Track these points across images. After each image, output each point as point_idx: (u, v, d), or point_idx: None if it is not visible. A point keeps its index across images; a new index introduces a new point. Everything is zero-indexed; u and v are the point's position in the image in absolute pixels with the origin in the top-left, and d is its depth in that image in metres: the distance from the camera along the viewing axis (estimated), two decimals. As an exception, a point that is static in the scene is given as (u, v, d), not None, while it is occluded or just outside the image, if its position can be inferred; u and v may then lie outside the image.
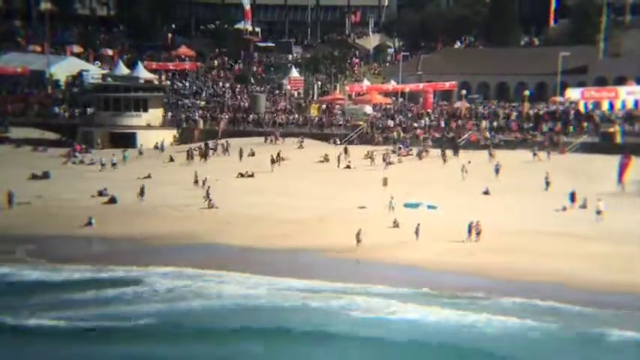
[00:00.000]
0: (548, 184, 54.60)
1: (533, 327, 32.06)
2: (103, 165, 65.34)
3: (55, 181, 60.22)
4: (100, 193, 55.32)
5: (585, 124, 67.62)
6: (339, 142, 71.77)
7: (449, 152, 65.04)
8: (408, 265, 40.04)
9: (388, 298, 35.38)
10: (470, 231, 43.58)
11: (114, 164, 65.33)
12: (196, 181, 57.80)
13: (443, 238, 43.75)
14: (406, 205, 50.72)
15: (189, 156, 68.21)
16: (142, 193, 54.16)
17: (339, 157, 65.26)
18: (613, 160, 56.40)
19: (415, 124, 73.46)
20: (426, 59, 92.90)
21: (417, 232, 43.88)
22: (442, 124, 72.92)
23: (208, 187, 53.68)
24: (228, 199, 52.93)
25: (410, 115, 76.83)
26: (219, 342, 31.54)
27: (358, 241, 43.00)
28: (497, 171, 57.85)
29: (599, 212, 47.72)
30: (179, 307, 34.49)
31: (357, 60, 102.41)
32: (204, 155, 68.27)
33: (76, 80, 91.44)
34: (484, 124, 71.21)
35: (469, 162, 60.94)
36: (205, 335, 31.92)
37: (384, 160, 63.54)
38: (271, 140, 73.13)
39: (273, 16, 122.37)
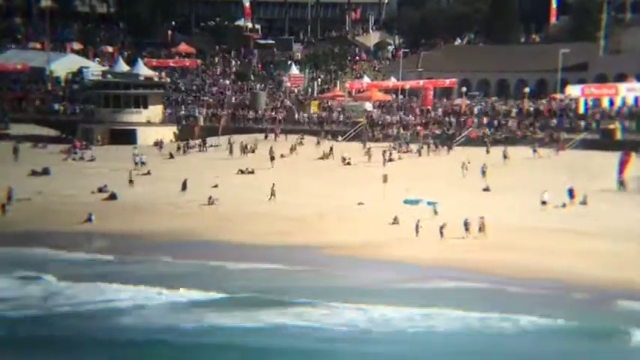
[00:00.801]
0: (622, 184, 53.28)
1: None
2: (136, 164, 64.21)
3: (55, 178, 60.23)
4: (100, 190, 55.38)
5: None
6: (340, 139, 71.80)
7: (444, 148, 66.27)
8: (408, 263, 40.07)
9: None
10: (467, 227, 43.58)
11: (143, 163, 64.63)
12: (131, 181, 57.52)
13: (443, 234, 43.76)
14: (406, 202, 50.69)
15: (243, 150, 68.07)
16: (184, 187, 54.55)
17: (342, 155, 65.29)
18: (613, 157, 56.41)
19: (415, 121, 73.45)
20: (426, 56, 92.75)
21: (416, 229, 43.88)
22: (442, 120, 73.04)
23: (273, 185, 53.26)
24: (228, 196, 52.95)
25: (410, 111, 76.77)
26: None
27: (442, 235, 43.02)
28: (483, 172, 57.29)
29: (544, 202, 48.80)
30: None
31: (360, 56, 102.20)
32: (244, 150, 68.24)
33: (76, 77, 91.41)
34: (485, 120, 71.20)
35: (469, 162, 60.70)
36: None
37: (383, 156, 63.50)
38: (273, 135, 73.02)
39: (273, 14, 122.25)
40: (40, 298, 35.55)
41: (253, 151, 68.09)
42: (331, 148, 66.76)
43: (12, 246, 43.83)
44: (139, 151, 67.62)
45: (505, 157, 61.77)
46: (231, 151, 68.23)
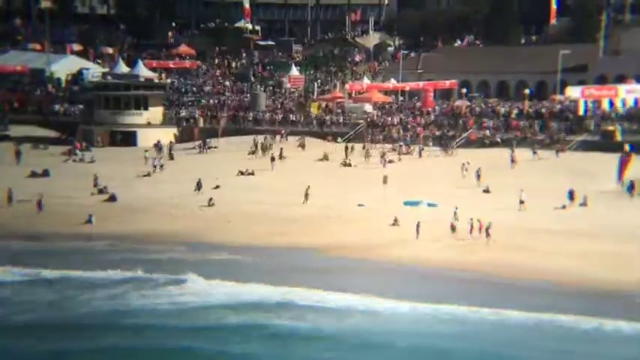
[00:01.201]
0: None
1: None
2: (155, 167, 63.75)
3: (55, 179, 60.20)
4: (100, 191, 55.42)
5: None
6: (340, 140, 71.80)
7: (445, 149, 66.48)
8: (408, 264, 40.10)
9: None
10: (453, 229, 44.04)
11: (162, 166, 64.24)
12: (96, 185, 56.71)
13: (443, 236, 43.82)
14: (406, 203, 50.78)
15: (263, 149, 67.82)
16: (198, 187, 54.84)
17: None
18: (613, 159, 56.45)
19: (415, 123, 73.46)
20: (426, 58, 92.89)
21: (417, 230, 43.91)
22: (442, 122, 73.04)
23: (308, 187, 52.68)
24: (228, 197, 52.97)
25: (410, 113, 76.83)
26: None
27: (488, 235, 43.05)
28: (478, 177, 57.01)
29: (521, 202, 49.39)
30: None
31: (361, 56, 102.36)
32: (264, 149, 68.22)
33: (77, 78, 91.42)
34: (486, 122, 71.15)
35: (468, 162, 60.61)
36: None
37: (383, 158, 63.51)
38: (279, 136, 72.85)
39: (273, 15, 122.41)
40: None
41: (254, 152, 68.13)
42: (352, 147, 67.05)
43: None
44: (152, 154, 67.70)
45: (513, 161, 61.24)
46: (255, 150, 68.18)
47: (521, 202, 49.71)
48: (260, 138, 70.26)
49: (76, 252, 42.82)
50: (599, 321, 32.31)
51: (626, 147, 59.77)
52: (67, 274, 38.85)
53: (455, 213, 45.65)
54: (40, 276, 38.68)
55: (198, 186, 55.34)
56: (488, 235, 42.99)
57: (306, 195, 52.09)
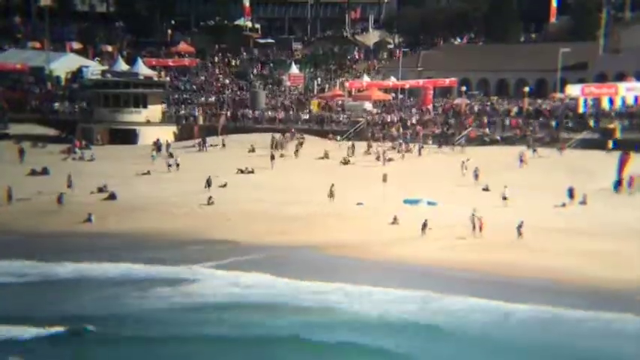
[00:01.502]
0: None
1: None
2: (170, 166, 63.08)
3: (55, 177, 60.10)
4: (100, 190, 55.37)
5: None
6: (339, 138, 71.75)
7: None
8: (409, 262, 40.09)
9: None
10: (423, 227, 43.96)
11: (178, 165, 63.37)
12: (69, 185, 55.88)
13: (443, 234, 43.80)
14: (406, 202, 50.76)
15: (276, 146, 67.75)
16: (208, 184, 54.78)
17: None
18: (612, 157, 56.40)
19: (415, 121, 73.44)
20: (426, 55, 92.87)
21: (423, 228, 43.89)
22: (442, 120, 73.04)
23: (332, 185, 52.45)
24: (228, 196, 52.96)
25: (410, 111, 76.80)
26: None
27: (520, 234, 42.87)
28: (476, 176, 56.80)
29: (504, 198, 49.56)
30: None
31: (361, 54, 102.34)
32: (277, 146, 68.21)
33: (76, 76, 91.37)
34: (485, 120, 71.15)
35: (468, 159, 60.64)
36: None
37: (383, 156, 63.48)
38: (291, 136, 72.62)
39: (272, 13, 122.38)
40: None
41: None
42: (352, 145, 67.11)
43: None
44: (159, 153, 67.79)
45: (522, 160, 60.73)
46: (273, 147, 67.96)
47: (504, 198, 49.72)
48: (277, 136, 70.35)
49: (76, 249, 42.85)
50: (599, 318, 32.33)
51: (609, 144, 60.10)
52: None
53: (473, 215, 44.33)
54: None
55: (208, 183, 55.19)
56: (520, 233, 42.83)
57: (332, 193, 51.76)
